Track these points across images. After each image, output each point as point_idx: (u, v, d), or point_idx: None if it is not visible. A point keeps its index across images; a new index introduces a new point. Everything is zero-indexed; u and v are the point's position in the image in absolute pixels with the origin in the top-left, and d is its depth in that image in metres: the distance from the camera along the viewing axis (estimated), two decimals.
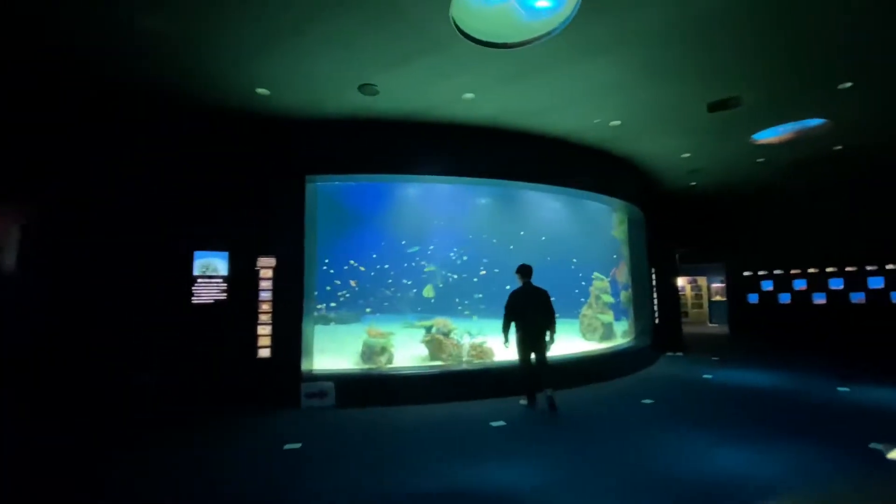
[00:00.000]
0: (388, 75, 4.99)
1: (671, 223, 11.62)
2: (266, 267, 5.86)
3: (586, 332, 9.51)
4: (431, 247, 13.18)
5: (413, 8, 3.82)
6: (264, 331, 5.76)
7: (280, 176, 6.06)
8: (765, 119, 6.53)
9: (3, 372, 4.93)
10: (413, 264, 13.07)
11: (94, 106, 5.47)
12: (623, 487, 3.22)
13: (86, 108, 5.48)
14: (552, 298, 5.60)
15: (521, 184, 7.22)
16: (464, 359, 6.97)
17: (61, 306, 5.24)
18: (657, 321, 9.97)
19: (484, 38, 4.31)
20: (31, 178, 5.32)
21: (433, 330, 7.33)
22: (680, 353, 9.66)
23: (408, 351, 7.31)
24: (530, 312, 5.50)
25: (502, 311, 5.59)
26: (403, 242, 13.02)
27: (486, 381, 6.13)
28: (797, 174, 9.39)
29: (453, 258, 13.24)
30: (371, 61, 4.69)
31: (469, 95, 5.51)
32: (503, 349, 5.73)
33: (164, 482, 3.47)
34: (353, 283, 12.75)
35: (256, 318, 5.75)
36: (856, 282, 10.41)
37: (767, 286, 11.87)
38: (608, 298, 9.62)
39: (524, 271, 5.73)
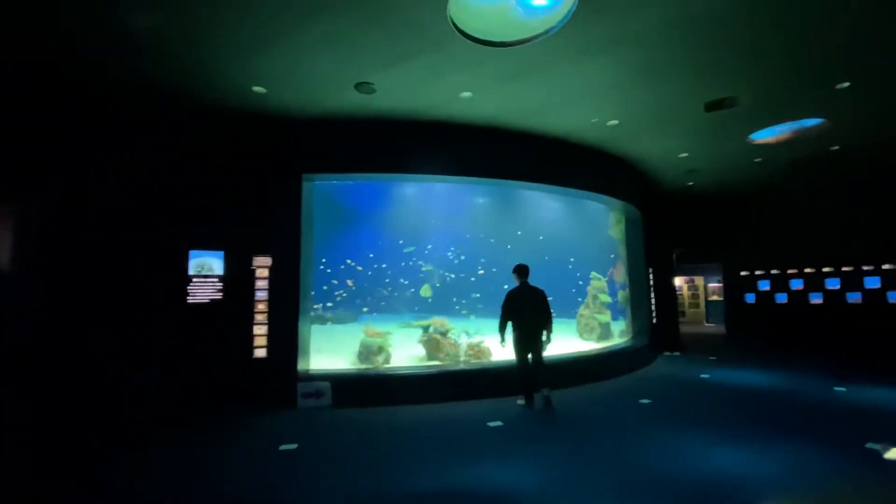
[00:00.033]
0: (385, 74, 4.96)
1: (668, 223, 11.64)
2: (262, 266, 5.83)
3: (584, 332, 9.51)
4: (430, 246, 13.16)
5: (410, 6, 3.79)
6: (260, 331, 5.73)
7: (277, 175, 6.02)
8: (762, 119, 6.54)
9: (2, 372, 4.91)
10: (410, 263, 13.04)
11: (95, 106, 5.46)
12: (620, 487, 3.21)
13: (86, 107, 5.47)
14: (549, 298, 5.60)
15: (519, 183, 7.21)
16: (461, 358, 6.96)
17: (60, 306, 5.22)
18: (654, 321, 9.98)
19: (481, 37, 4.29)
20: (31, 178, 5.30)
21: (430, 329, 7.31)
22: (677, 353, 9.68)
23: (405, 351, 7.29)
24: (527, 312, 5.50)
25: (500, 311, 5.59)
26: (401, 242, 13.00)
27: (483, 381, 6.11)
28: (795, 174, 9.42)
29: (451, 258, 13.22)
30: (368, 60, 4.66)
31: (467, 94, 5.49)
32: (500, 349, 5.73)
33: (160, 483, 3.44)
34: (349, 282, 12.71)
35: (252, 318, 5.72)
36: (852, 282, 10.44)
37: (764, 286, 11.90)
38: (605, 298, 9.63)
39: (521, 271, 5.75)
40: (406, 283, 12.98)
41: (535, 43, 4.34)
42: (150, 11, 3.79)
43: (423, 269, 12.87)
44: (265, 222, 5.92)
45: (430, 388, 5.89)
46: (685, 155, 8.11)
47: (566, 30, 4.14)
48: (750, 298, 12.15)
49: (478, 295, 12.17)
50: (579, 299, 10.08)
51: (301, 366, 5.88)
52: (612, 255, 10.53)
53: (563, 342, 8.21)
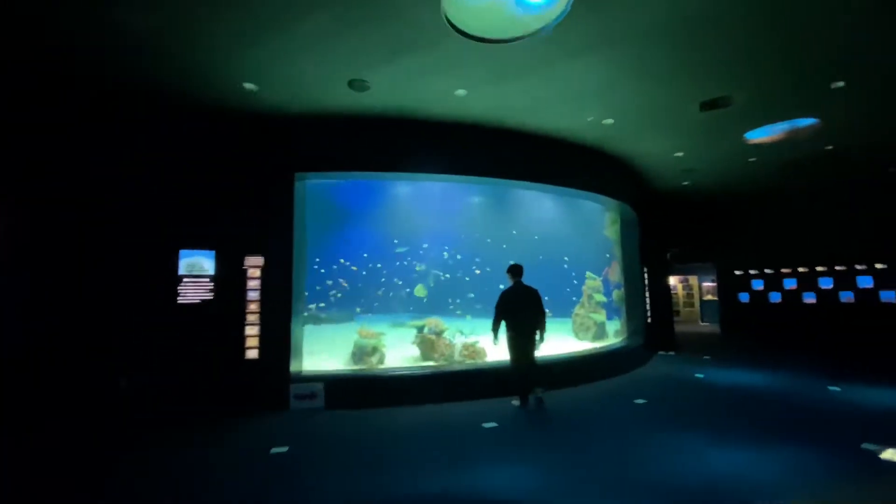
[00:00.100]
0: (379, 71, 4.90)
1: (663, 223, 11.66)
2: (254, 266, 5.74)
3: (579, 332, 9.49)
4: (425, 245, 13.09)
5: (405, 2, 3.74)
6: (252, 331, 5.64)
7: (270, 173, 5.94)
8: (757, 118, 6.53)
9: (2, 372, 4.92)
10: (405, 263, 12.97)
11: (95, 106, 5.44)
12: (619, 488, 3.18)
13: (86, 107, 5.45)
14: (545, 298, 5.57)
15: (514, 182, 7.17)
16: (456, 359, 6.91)
17: (60, 306, 5.20)
18: (649, 320, 9.98)
19: (476, 34, 4.24)
20: (31, 178, 5.29)
21: (425, 330, 7.25)
22: (672, 353, 9.68)
23: (399, 351, 7.23)
24: (521, 312, 5.48)
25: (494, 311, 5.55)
26: (396, 241, 12.92)
27: (478, 382, 6.06)
28: (789, 174, 9.44)
29: (446, 257, 13.16)
30: (361, 56, 4.60)
31: (461, 92, 5.44)
32: (495, 349, 5.69)
33: (148, 487, 3.37)
34: (342, 282, 12.62)
35: (244, 319, 5.64)
36: (845, 281, 10.50)
37: (758, 285, 11.93)
38: (600, 298, 9.61)
39: (515, 271, 5.73)
40: (399, 283, 12.91)
41: (530, 41, 4.29)
42: (148, 10, 3.77)
43: (416, 268, 12.80)
44: (258, 221, 5.83)
45: (425, 389, 5.83)
46: (680, 154, 8.11)
47: (561, 28, 4.10)
48: (744, 298, 12.19)
49: (473, 295, 12.11)
50: (574, 299, 10.05)
51: (294, 367, 5.80)
52: (608, 255, 10.52)
53: (559, 342, 8.19)
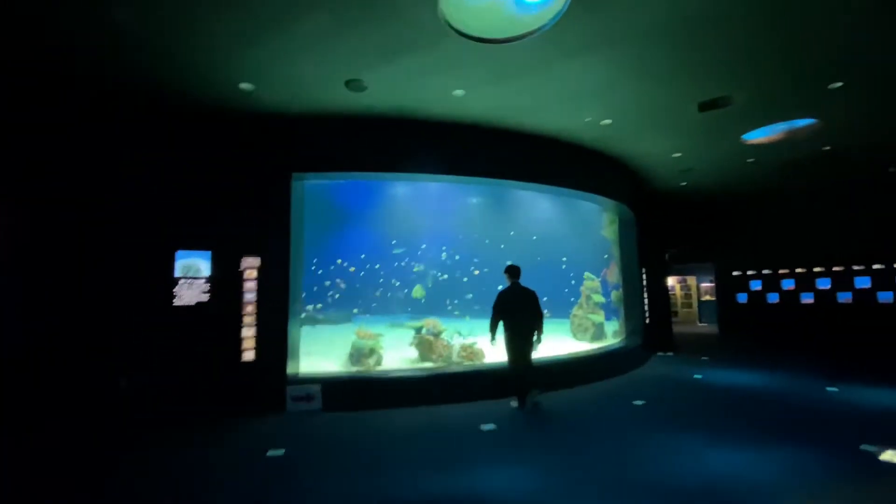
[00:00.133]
0: (376, 71, 4.89)
1: (662, 223, 11.66)
2: (251, 267, 5.72)
3: (577, 332, 9.48)
4: (423, 245, 13.08)
5: (404, 2, 3.73)
6: (249, 333, 5.61)
7: (267, 173, 5.91)
8: (756, 119, 6.54)
9: (2, 372, 4.91)
10: (403, 264, 12.95)
11: (95, 106, 5.44)
12: (617, 489, 3.16)
13: (86, 107, 5.44)
14: (543, 298, 5.56)
15: (512, 182, 7.15)
16: (454, 360, 6.89)
17: (59, 306, 5.19)
18: (648, 321, 9.98)
19: (474, 34, 4.23)
20: (31, 178, 5.28)
21: (423, 331, 7.24)
22: (670, 353, 9.68)
23: (397, 352, 7.21)
24: (518, 313, 5.46)
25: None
26: (394, 242, 12.90)
27: (476, 383, 6.05)
28: (787, 174, 9.45)
29: (444, 258, 13.14)
30: (358, 56, 4.59)
31: (459, 92, 5.43)
32: (493, 350, 5.67)
33: (148, 487, 3.34)
34: (339, 282, 12.59)
35: (241, 320, 5.61)
36: (843, 281, 10.53)
37: (756, 286, 11.96)
38: (599, 298, 9.60)
39: (512, 272, 5.72)
40: (397, 284, 12.89)
41: (527, 41, 4.28)
42: (148, 10, 3.76)
43: (414, 269, 12.78)
44: (255, 222, 5.81)
45: (423, 391, 5.81)
46: (678, 155, 8.11)
47: (559, 28, 4.09)
48: (742, 298, 12.21)
49: (471, 296, 12.10)
50: (572, 299, 10.05)
51: (291, 369, 5.78)
52: (606, 256, 10.52)
53: (557, 342, 8.18)
